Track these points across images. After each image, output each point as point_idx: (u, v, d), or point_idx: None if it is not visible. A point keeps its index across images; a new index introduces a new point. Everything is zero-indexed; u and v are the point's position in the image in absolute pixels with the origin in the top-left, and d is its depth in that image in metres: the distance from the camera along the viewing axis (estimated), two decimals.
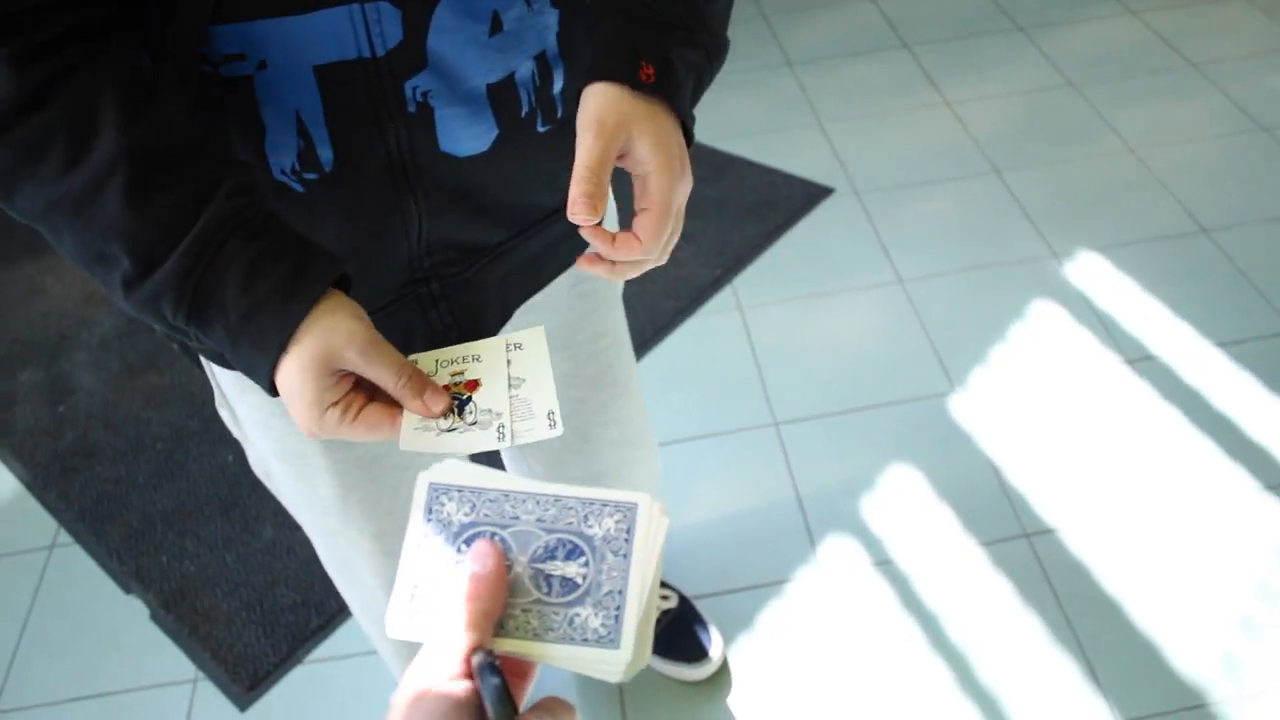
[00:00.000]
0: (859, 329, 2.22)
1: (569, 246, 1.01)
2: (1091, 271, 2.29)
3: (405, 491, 1.03)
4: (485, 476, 0.57)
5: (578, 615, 0.53)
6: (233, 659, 1.76)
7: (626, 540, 0.54)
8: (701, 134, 2.85)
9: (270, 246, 0.66)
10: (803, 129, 2.84)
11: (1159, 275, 2.27)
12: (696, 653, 1.64)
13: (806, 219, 2.51)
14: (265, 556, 1.89)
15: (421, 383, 0.66)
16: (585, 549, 0.55)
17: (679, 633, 1.66)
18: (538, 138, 0.85)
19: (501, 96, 0.80)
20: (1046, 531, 1.80)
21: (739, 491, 1.92)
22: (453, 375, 0.70)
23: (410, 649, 1.23)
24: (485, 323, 0.96)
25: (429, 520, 0.57)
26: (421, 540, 0.56)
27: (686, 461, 1.98)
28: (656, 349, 2.22)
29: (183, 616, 1.82)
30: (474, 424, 0.66)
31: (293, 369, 0.65)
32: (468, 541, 0.55)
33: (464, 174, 0.82)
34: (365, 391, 0.68)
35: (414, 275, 0.87)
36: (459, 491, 0.57)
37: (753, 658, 1.67)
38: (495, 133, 0.81)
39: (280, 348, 0.65)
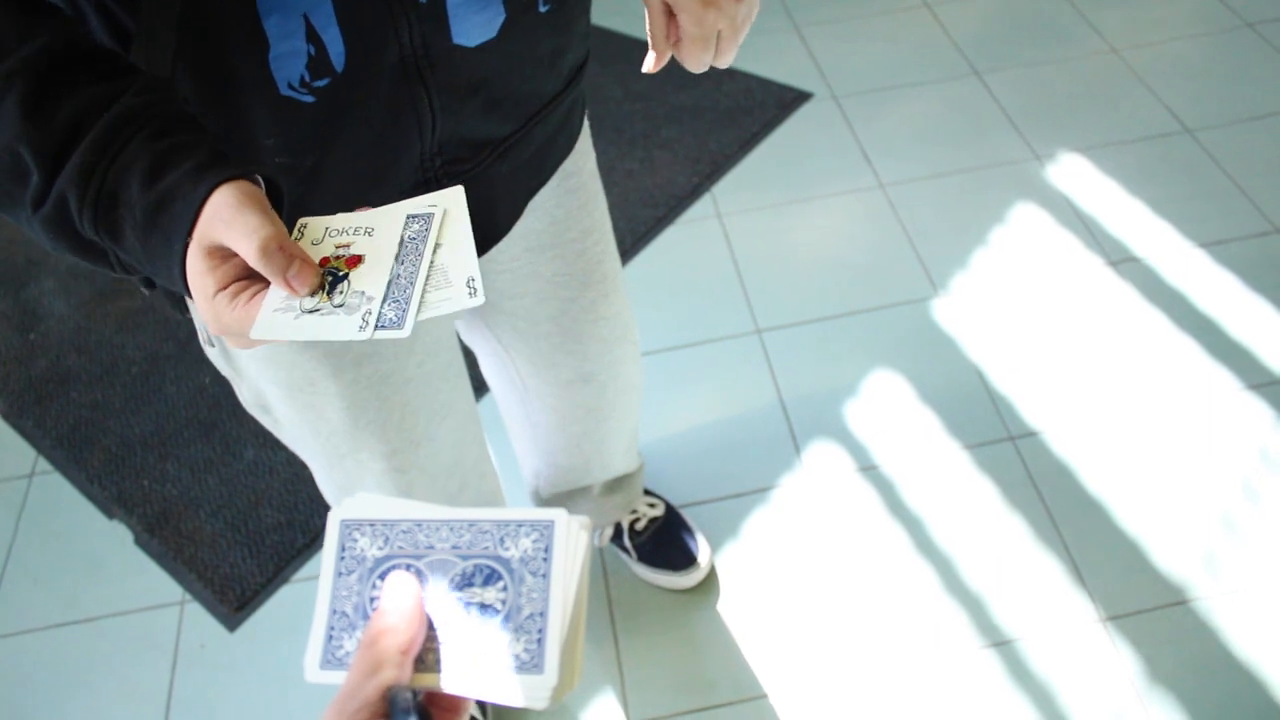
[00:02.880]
0: (840, 235, 2.20)
1: (565, 135, 1.00)
2: (1074, 173, 2.27)
3: (414, 405, 1.06)
4: (398, 508, 0.54)
5: (498, 644, 0.51)
6: (219, 580, 1.75)
7: (545, 559, 0.51)
8: None
9: (177, 144, 0.61)
10: (779, 33, 2.78)
11: (1142, 176, 2.25)
12: (684, 560, 1.65)
13: (785, 125, 2.47)
14: (248, 477, 1.88)
15: (288, 254, 0.58)
16: (503, 572, 0.52)
17: (666, 541, 1.66)
18: (540, 18, 0.83)
19: None
20: (1031, 434, 1.80)
21: (723, 400, 1.91)
22: (337, 247, 0.62)
23: None
24: (498, 219, 0.95)
25: (343, 558, 0.54)
26: (336, 579, 0.53)
27: (670, 371, 1.97)
28: (637, 258, 2.19)
29: (167, 540, 1.81)
30: (340, 306, 0.59)
31: (188, 261, 0.60)
32: (382, 576, 0.53)
33: (475, 65, 0.80)
34: (264, 282, 0.61)
35: (424, 176, 0.85)
36: (371, 526, 0.54)
37: (740, 565, 1.68)
38: (503, 17, 0.79)
39: (187, 233, 0.59)
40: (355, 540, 0.54)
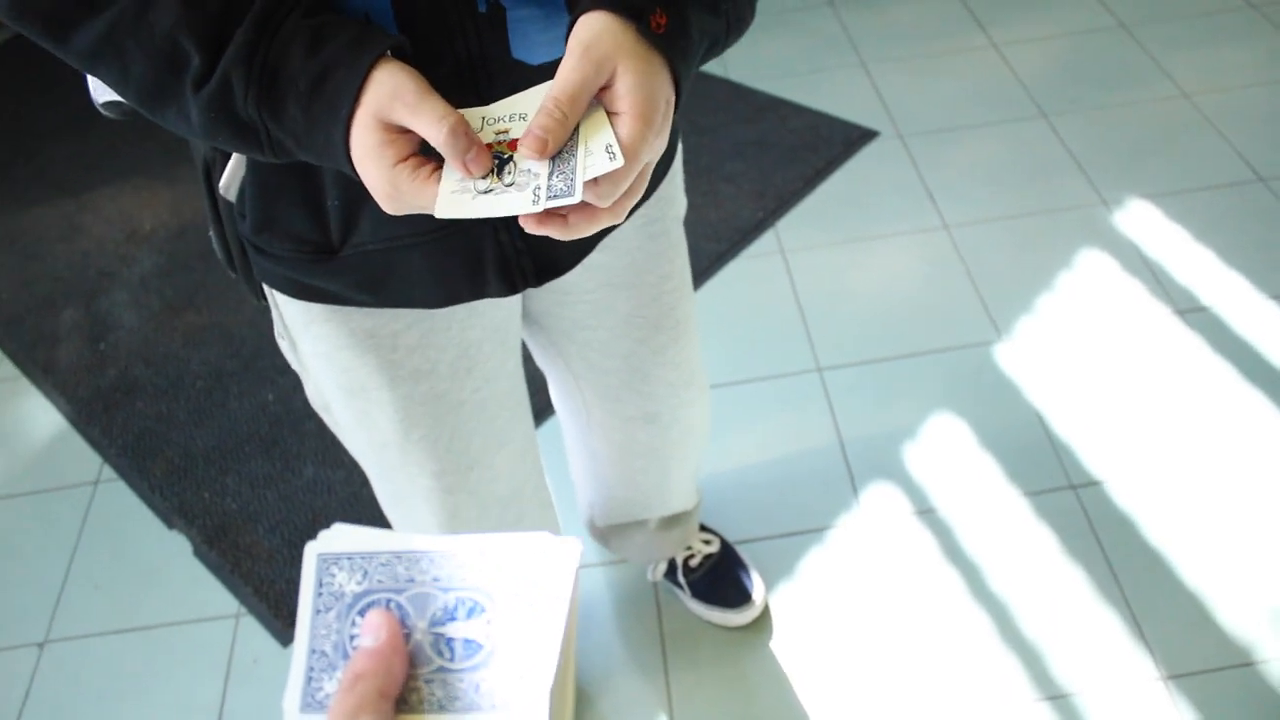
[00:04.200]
0: (903, 275, 2.19)
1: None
2: (1142, 220, 2.25)
3: (467, 428, 1.05)
4: (375, 539, 0.51)
5: (484, 680, 0.48)
6: (274, 595, 1.77)
7: (532, 589, 0.49)
8: (741, 74, 2.80)
9: (330, 20, 0.65)
10: (845, 70, 2.79)
11: (1211, 224, 2.22)
12: (738, 598, 1.64)
13: (850, 162, 2.47)
14: (306, 494, 1.90)
15: (467, 139, 0.62)
16: (487, 605, 0.49)
17: (721, 577, 1.65)
18: None
19: None
20: (1093, 483, 1.78)
21: (782, 437, 1.91)
22: (497, 134, 0.65)
23: None
24: (560, 252, 0.93)
25: (320, 594, 0.51)
26: (314, 617, 0.51)
27: (729, 406, 1.96)
28: (699, 292, 2.20)
29: (225, 552, 1.84)
30: (510, 185, 0.62)
31: (357, 131, 0.64)
32: (362, 612, 0.50)
33: (536, 83, 0.79)
34: (437, 161, 0.65)
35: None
36: (349, 559, 0.51)
37: (794, 604, 1.67)
38: None
39: (353, 100, 0.63)
40: (333, 575, 0.51)
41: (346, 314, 0.94)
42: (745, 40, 2.98)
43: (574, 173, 0.62)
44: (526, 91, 0.66)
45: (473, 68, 0.75)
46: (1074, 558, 1.68)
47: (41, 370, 2.23)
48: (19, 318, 2.37)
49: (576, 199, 0.61)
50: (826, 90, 2.70)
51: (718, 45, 0.73)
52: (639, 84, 0.64)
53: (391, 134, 0.63)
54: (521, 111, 0.65)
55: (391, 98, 0.62)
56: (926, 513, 1.76)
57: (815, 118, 2.58)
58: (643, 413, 1.26)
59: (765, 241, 2.29)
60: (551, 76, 0.74)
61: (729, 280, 2.22)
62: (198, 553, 1.86)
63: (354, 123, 0.63)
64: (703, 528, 1.72)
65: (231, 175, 0.85)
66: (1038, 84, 2.66)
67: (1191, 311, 2.04)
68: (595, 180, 0.63)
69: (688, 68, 0.69)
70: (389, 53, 0.65)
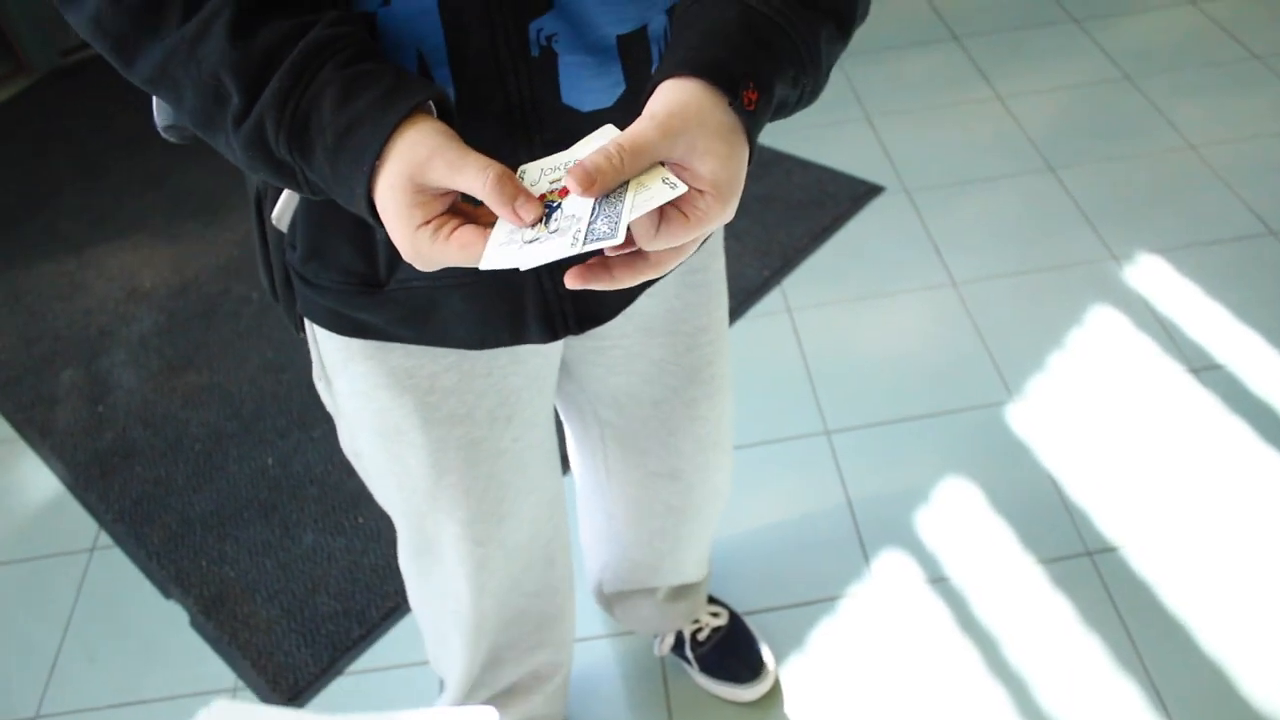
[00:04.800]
0: (912, 333, 2.16)
1: None
2: (1152, 274, 2.22)
3: (500, 479, 1.06)
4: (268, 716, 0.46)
5: None
6: (273, 668, 1.73)
7: None
8: None
9: (366, 70, 0.65)
10: (851, 124, 2.78)
11: (1224, 279, 2.19)
12: (748, 673, 1.60)
13: (856, 218, 2.45)
14: (306, 563, 1.86)
15: (513, 187, 0.61)
16: None
17: (729, 651, 1.61)
18: None
19: (632, 50, 0.76)
20: (1109, 549, 1.74)
21: (790, 503, 1.87)
22: (551, 183, 0.63)
23: (476, 650, 1.25)
24: (605, 300, 0.92)
25: None
26: None
27: (736, 470, 1.91)
28: None
29: (222, 623, 1.80)
30: (554, 231, 0.60)
31: (384, 187, 0.63)
32: None
33: (585, 130, 0.77)
34: (463, 217, 0.64)
35: None
36: None
37: (806, 677, 1.63)
38: (622, 88, 0.77)
39: (375, 157, 0.62)
40: None
41: (386, 352, 0.94)
42: None
43: (619, 215, 0.60)
44: (581, 143, 0.65)
45: (523, 111, 0.75)
46: (1091, 626, 1.64)
47: (39, 433, 2.20)
48: (18, 378, 2.35)
49: (618, 239, 0.59)
50: (832, 144, 2.68)
51: (783, 113, 0.71)
52: (722, 166, 0.62)
53: (423, 195, 0.62)
54: (576, 158, 0.64)
55: (429, 159, 0.61)
56: (939, 581, 1.72)
57: (821, 173, 2.57)
58: (668, 468, 1.24)
59: (771, 300, 2.27)
60: (600, 124, 0.73)
61: (735, 340, 2.19)
62: (194, 623, 1.82)
63: (380, 180, 0.63)
64: (711, 599, 1.68)
65: (284, 206, 0.86)
66: (1044, 136, 2.65)
67: (1205, 369, 2.00)
68: (656, 223, 0.62)
69: (758, 137, 0.67)
70: (429, 106, 0.65)
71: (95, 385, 2.30)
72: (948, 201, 2.48)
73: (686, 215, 0.62)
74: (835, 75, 2.94)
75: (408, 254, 0.64)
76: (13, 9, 3.38)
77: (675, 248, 0.64)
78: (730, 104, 0.63)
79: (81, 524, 2.02)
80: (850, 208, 2.45)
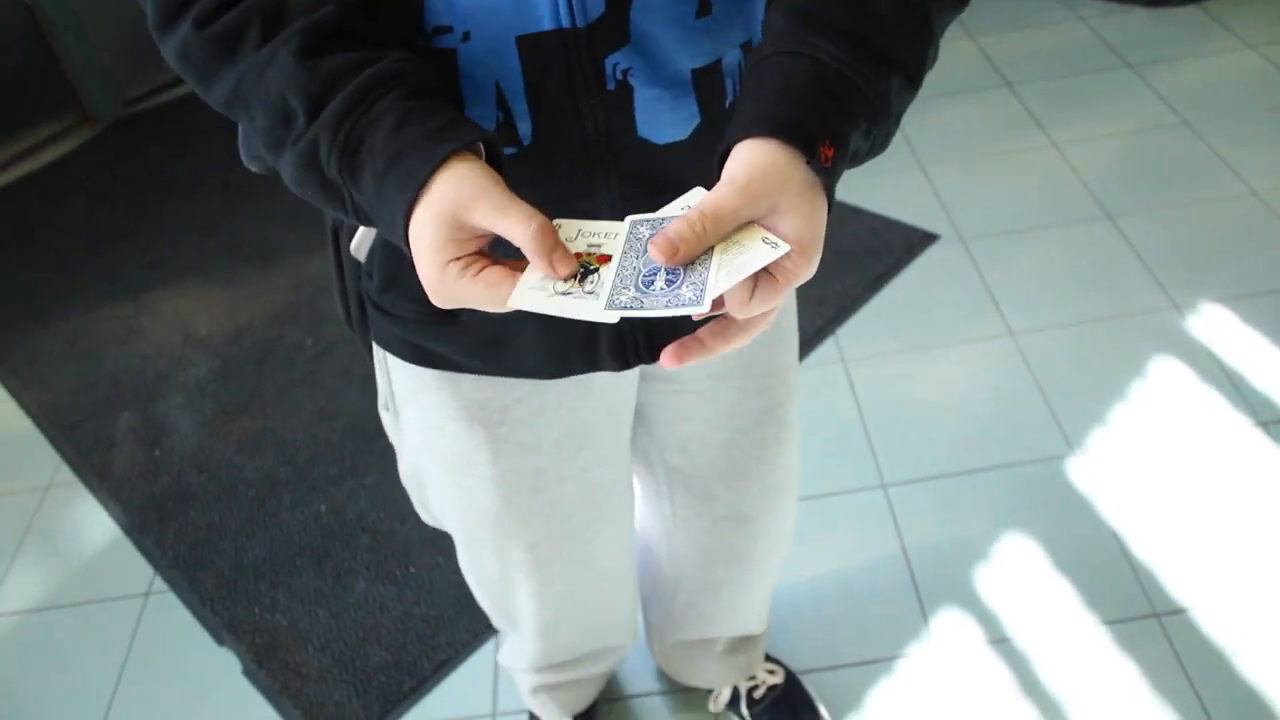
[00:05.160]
0: (969, 384, 2.13)
1: None
2: (1216, 324, 2.17)
3: (569, 504, 1.09)
4: None
5: None
6: (323, 719, 1.72)
7: None
8: None
9: (425, 105, 0.66)
10: (904, 171, 2.76)
11: None
12: None
13: (911, 267, 2.43)
14: (358, 612, 1.86)
15: (553, 240, 0.61)
16: None
17: (786, 712, 1.58)
18: None
19: (706, 83, 0.77)
20: (1178, 611, 1.69)
21: (846, 559, 1.84)
22: (589, 245, 0.64)
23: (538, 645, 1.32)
24: (674, 326, 0.92)
25: None
26: None
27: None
28: None
29: (274, 672, 1.79)
30: (589, 293, 0.61)
31: (424, 218, 0.63)
32: None
33: (660, 162, 0.78)
34: (491, 260, 0.65)
35: None
36: None
37: None
38: (697, 120, 0.78)
39: (419, 186, 0.63)
40: None
41: (458, 383, 0.96)
42: None
43: (703, 282, 0.60)
44: (674, 202, 0.65)
45: (599, 144, 0.76)
46: (1160, 692, 1.59)
47: (97, 476, 2.23)
48: (78, 422, 2.38)
49: (704, 308, 0.59)
50: (885, 192, 2.67)
51: (856, 164, 0.71)
52: (804, 224, 0.62)
53: (461, 233, 0.63)
54: (616, 232, 0.65)
55: (475, 198, 0.62)
56: (1000, 642, 1.68)
57: (874, 220, 2.55)
58: (736, 513, 1.23)
59: (825, 350, 2.25)
60: (677, 157, 0.78)
61: None
62: (246, 671, 1.82)
63: (420, 210, 0.63)
64: (767, 657, 1.65)
65: (363, 236, 0.89)
66: (1100, 184, 2.62)
67: (1274, 423, 1.95)
68: (750, 289, 0.61)
69: (835, 188, 0.67)
70: (480, 149, 0.65)
71: (152, 429, 2.32)
72: (1003, 250, 2.45)
73: (776, 277, 0.62)
74: None
75: (431, 286, 0.65)
76: (78, 62, 3.46)
77: (764, 312, 0.64)
78: (808, 162, 0.62)
79: (137, 568, 2.03)
80: (904, 256, 2.43)
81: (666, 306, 0.60)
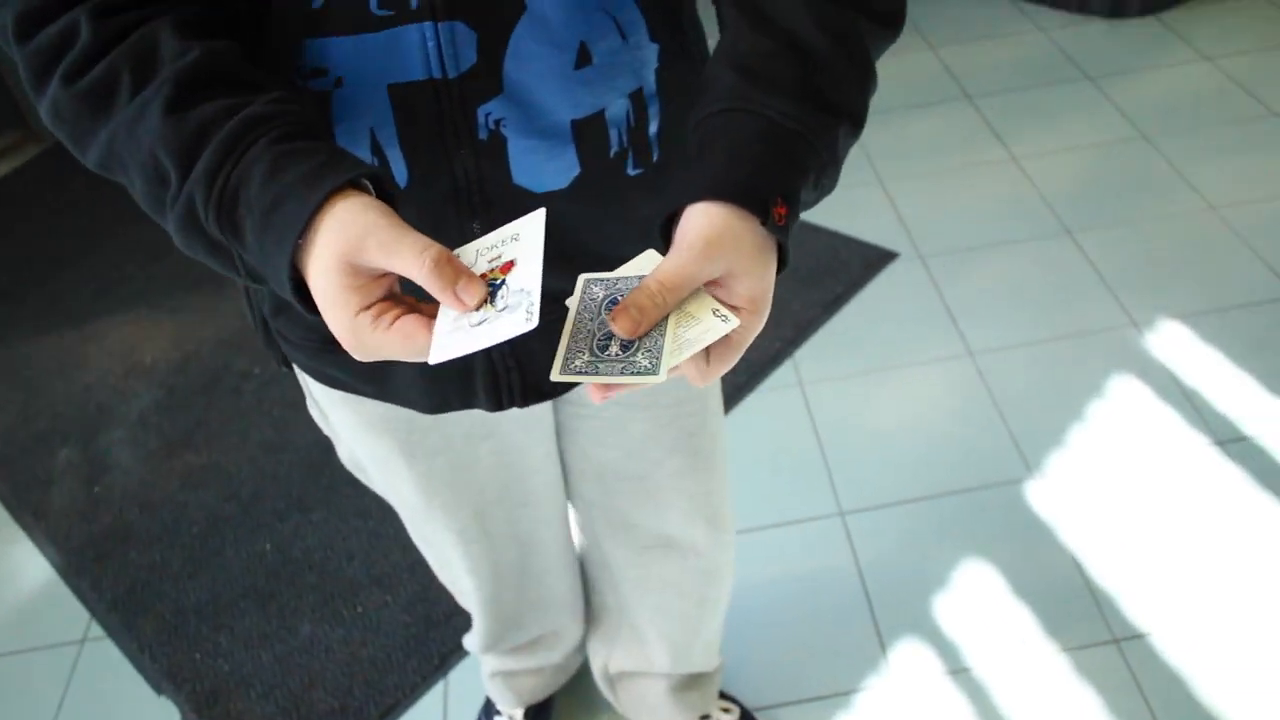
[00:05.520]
0: (927, 407, 2.09)
1: None
2: (1175, 342, 2.15)
3: (482, 491, 1.10)
4: None
5: None
6: None
7: None
8: None
9: (299, 147, 0.62)
10: (862, 187, 2.73)
11: (1249, 345, 2.12)
12: None
13: (870, 286, 2.39)
14: (303, 655, 1.80)
15: (454, 269, 0.58)
16: None
17: None
18: (628, 181, 0.80)
19: (588, 133, 0.77)
20: (1137, 636, 1.66)
21: (803, 589, 1.80)
22: (490, 261, 0.61)
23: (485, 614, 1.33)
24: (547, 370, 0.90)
25: None
26: None
27: (747, 555, 1.86)
28: None
29: None
30: (504, 310, 0.57)
31: (317, 270, 0.59)
32: None
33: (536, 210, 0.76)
34: (405, 306, 0.61)
35: None
36: None
37: None
38: (576, 171, 0.78)
39: (299, 235, 0.58)
40: None
41: (359, 401, 0.97)
42: None
43: (659, 350, 0.60)
44: (525, 218, 0.63)
45: (470, 191, 0.76)
46: (1119, 718, 1.56)
47: (33, 515, 2.16)
48: (14, 457, 2.31)
49: (661, 378, 0.58)
50: (843, 209, 2.64)
51: (804, 209, 0.70)
52: (757, 285, 0.62)
53: (359, 279, 0.59)
54: (514, 233, 0.62)
55: (363, 238, 0.57)
56: (960, 672, 1.65)
57: (832, 239, 2.52)
58: (659, 540, 1.22)
59: (783, 373, 2.21)
60: (556, 207, 0.73)
61: (746, 415, 2.13)
62: None
63: (312, 263, 0.59)
64: (722, 694, 1.60)
65: None
66: (1060, 199, 2.60)
67: (1232, 442, 1.93)
68: (705, 357, 0.62)
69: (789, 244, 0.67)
70: (365, 184, 0.62)
71: (92, 465, 2.25)
72: (962, 267, 2.43)
73: (730, 338, 0.62)
74: None
75: (347, 343, 0.60)
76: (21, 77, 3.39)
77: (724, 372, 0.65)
78: (763, 223, 0.62)
79: (73, 613, 1.97)
80: (863, 275, 2.40)
81: (623, 374, 0.59)
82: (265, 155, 0.61)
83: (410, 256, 0.57)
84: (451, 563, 1.22)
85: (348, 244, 0.58)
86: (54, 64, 0.65)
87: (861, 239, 2.52)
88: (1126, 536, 1.80)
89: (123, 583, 1.98)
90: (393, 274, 0.60)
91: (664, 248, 0.64)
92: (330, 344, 0.84)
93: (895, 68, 3.18)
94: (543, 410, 1.07)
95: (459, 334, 0.58)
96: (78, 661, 1.88)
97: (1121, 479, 1.90)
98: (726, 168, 0.63)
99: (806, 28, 0.67)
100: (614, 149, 0.78)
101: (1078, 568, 1.77)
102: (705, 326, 0.60)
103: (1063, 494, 1.88)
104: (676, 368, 0.60)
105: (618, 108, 0.77)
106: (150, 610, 1.92)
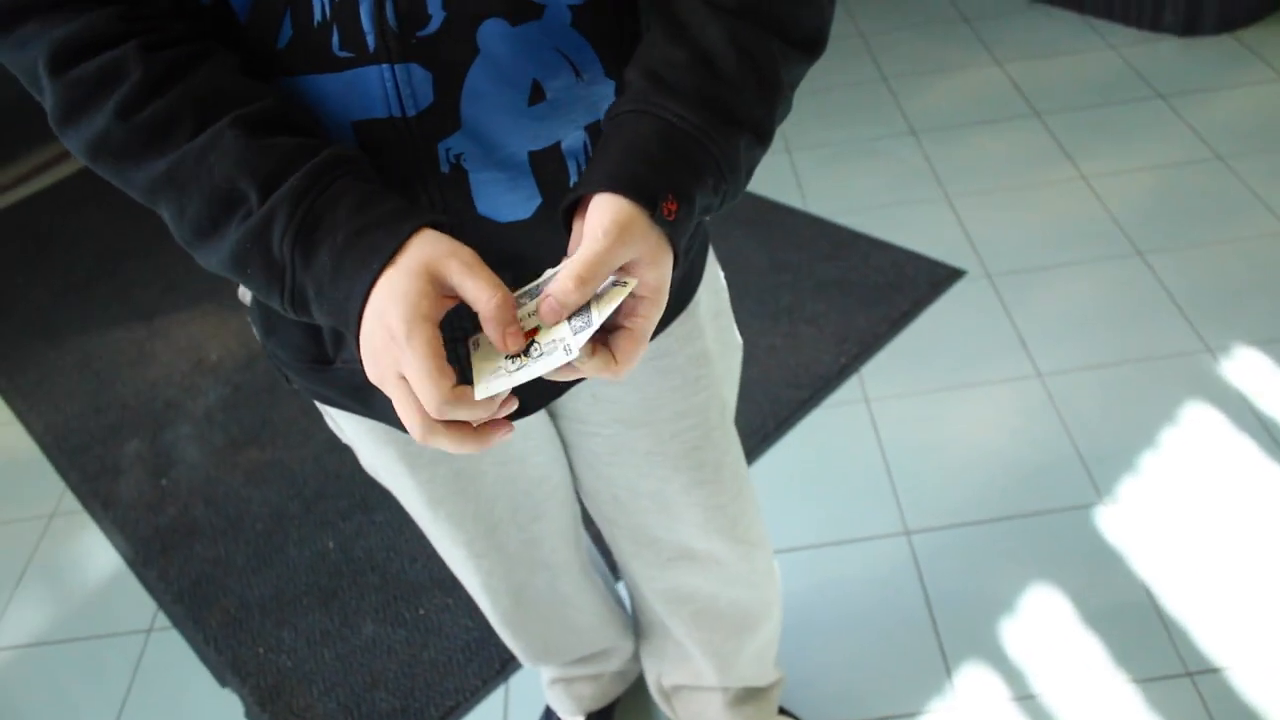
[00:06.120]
0: (996, 428, 2.07)
1: None
2: (1251, 368, 2.11)
3: (489, 494, 1.10)
4: None
5: None
6: None
7: None
8: (821, 208, 2.74)
9: (381, 190, 0.69)
10: (929, 204, 2.71)
11: None
12: None
13: (936, 304, 2.37)
14: (365, 655, 1.81)
15: (511, 313, 0.64)
16: None
17: None
18: None
19: (545, 165, 0.79)
20: (1212, 670, 1.62)
21: (867, 608, 1.78)
22: (528, 314, 0.67)
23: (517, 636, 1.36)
24: (528, 403, 0.92)
25: None
26: None
27: (809, 572, 1.85)
28: (778, 444, 2.09)
29: (278, 715, 1.75)
30: (540, 356, 0.65)
31: (396, 276, 0.64)
32: None
33: (505, 240, 0.80)
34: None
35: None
36: None
37: None
38: (538, 201, 0.80)
39: (389, 257, 0.64)
40: None
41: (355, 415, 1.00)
42: (825, 171, 2.92)
43: (589, 325, 0.65)
44: (554, 271, 0.68)
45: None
46: None
47: (102, 505, 2.19)
48: (85, 446, 2.35)
49: (574, 355, 0.64)
50: (910, 225, 2.61)
51: (707, 216, 0.75)
52: (659, 275, 0.67)
53: (434, 288, 0.64)
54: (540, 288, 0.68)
55: (448, 255, 0.64)
56: (1026, 699, 1.62)
57: (899, 255, 2.50)
58: (680, 551, 1.22)
59: (848, 389, 2.19)
60: (522, 236, 0.80)
61: (810, 431, 2.12)
62: (249, 714, 1.77)
63: (391, 271, 0.64)
64: (783, 711, 1.59)
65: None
66: (1131, 219, 2.56)
67: None
68: (617, 359, 0.67)
69: (684, 243, 0.71)
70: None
71: (159, 458, 2.28)
72: (1031, 286, 2.39)
73: (630, 328, 0.67)
74: (913, 154, 2.89)
75: (400, 333, 0.63)
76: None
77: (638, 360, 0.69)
78: (651, 216, 0.66)
79: (140, 603, 1.99)
80: (930, 292, 2.38)
81: (541, 360, 0.65)
82: (352, 189, 0.67)
83: (484, 284, 0.64)
84: (465, 578, 1.24)
85: (434, 256, 0.64)
86: (98, 96, 0.69)
87: (928, 256, 2.50)
88: (1201, 567, 1.76)
89: (188, 575, 2.01)
90: (454, 301, 0.66)
91: (565, 236, 0.70)
92: (318, 363, 0.91)
93: (962, 83, 3.16)
94: (538, 420, 1.09)
95: (501, 376, 0.65)
96: (145, 650, 1.91)
97: (1195, 507, 1.86)
98: (621, 163, 0.68)
99: (716, 44, 0.71)
100: (572, 178, 0.81)
101: (1149, 597, 1.73)
102: (607, 296, 0.65)
103: (1134, 520, 1.85)
104: (593, 352, 0.66)
105: (573, 139, 0.79)
106: (215, 604, 1.94)
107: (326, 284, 0.67)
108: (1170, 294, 2.33)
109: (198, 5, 0.73)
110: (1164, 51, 3.20)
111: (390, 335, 0.64)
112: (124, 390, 2.50)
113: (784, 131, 3.11)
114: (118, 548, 2.11)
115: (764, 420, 2.10)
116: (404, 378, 0.64)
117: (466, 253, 0.65)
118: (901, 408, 2.14)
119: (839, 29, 3.60)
